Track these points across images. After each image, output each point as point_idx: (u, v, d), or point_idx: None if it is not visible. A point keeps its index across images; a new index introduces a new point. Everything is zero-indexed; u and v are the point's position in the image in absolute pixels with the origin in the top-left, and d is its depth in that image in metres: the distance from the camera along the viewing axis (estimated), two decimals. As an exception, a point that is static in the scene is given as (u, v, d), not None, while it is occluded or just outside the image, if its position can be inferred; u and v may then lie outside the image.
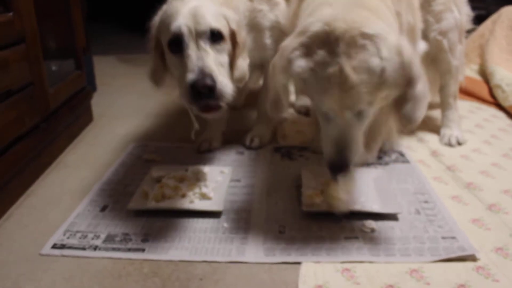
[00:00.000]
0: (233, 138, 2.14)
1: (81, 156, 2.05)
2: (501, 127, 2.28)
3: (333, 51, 1.21)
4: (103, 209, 1.58)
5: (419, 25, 1.79)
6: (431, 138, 2.15)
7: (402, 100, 1.29)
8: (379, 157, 1.89)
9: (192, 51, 1.43)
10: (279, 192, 1.67)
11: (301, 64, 1.27)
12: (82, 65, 2.41)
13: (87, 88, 2.45)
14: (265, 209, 1.57)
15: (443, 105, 2.18)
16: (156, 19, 1.58)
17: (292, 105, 2.54)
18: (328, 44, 1.22)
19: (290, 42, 1.31)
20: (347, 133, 1.29)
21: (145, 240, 1.41)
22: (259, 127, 2.12)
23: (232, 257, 1.33)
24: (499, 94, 2.60)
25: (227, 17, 1.56)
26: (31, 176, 1.78)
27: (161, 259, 1.32)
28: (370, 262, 1.29)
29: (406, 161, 1.89)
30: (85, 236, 1.43)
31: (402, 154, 1.95)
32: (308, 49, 1.26)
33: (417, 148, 2.05)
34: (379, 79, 1.22)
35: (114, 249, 1.37)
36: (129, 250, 1.36)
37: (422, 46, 1.90)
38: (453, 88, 2.15)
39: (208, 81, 1.38)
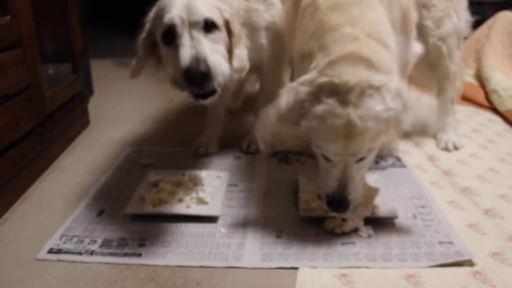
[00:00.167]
0: (230, 143, 2.14)
1: (77, 160, 2.04)
2: (497, 132, 2.29)
3: (342, 101, 1.25)
4: (99, 213, 1.58)
5: (413, 20, 1.81)
6: (427, 143, 2.15)
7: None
8: (376, 162, 1.90)
9: (186, 40, 1.43)
10: (276, 196, 1.67)
11: (310, 115, 1.30)
12: (79, 68, 2.41)
13: (84, 92, 2.45)
14: (262, 214, 1.57)
15: (440, 110, 2.19)
16: (151, 14, 1.58)
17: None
18: (336, 94, 1.26)
19: (300, 89, 1.33)
20: (348, 175, 1.32)
21: (141, 245, 1.40)
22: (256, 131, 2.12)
23: (229, 262, 1.33)
24: (495, 99, 2.62)
25: (220, 7, 1.56)
26: (27, 180, 1.78)
27: (158, 264, 1.32)
28: (367, 267, 1.29)
29: (402, 166, 1.90)
30: (82, 241, 1.42)
31: (398, 159, 1.95)
32: (316, 98, 1.29)
33: (413, 152, 2.05)
34: (384, 126, 1.28)
35: (110, 254, 1.36)
36: (126, 255, 1.36)
37: (419, 48, 1.91)
38: (451, 93, 2.15)
39: (202, 67, 1.38)
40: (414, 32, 1.83)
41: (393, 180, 1.77)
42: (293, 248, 1.37)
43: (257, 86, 2.25)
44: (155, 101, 2.89)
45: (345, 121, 1.24)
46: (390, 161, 1.93)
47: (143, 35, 1.60)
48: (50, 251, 1.38)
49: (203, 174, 1.77)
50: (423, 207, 1.58)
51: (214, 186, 1.69)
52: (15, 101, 1.69)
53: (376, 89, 1.27)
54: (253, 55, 1.87)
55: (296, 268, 1.29)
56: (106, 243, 1.41)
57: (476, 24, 3.02)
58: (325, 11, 1.46)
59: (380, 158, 1.93)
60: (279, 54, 1.97)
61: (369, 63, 1.32)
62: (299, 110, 1.32)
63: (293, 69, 2.05)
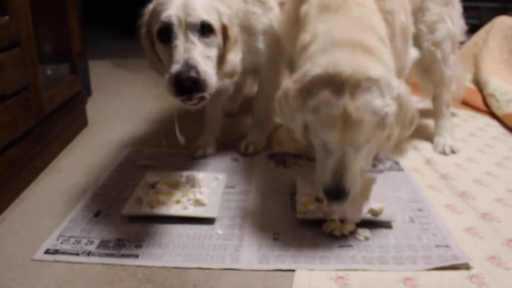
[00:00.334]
0: (228, 145, 2.14)
1: (75, 161, 2.04)
2: (494, 136, 2.30)
3: (338, 92, 1.26)
4: (97, 214, 1.58)
5: (411, 28, 1.82)
6: (425, 147, 2.16)
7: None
8: (374, 165, 1.90)
9: (180, 41, 1.43)
10: (274, 199, 1.67)
11: (304, 109, 1.32)
12: (78, 69, 2.41)
13: (82, 92, 2.45)
14: (259, 216, 1.57)
15: (436, 114, 2.20)
16: (150, 6, 1.58)
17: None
18: (331, 85, 1.27)
19: (290, 87, 1.36)
20: (345, 164, 1.32)
21: (138, 246, 1.40)
22: (254, 134, 2.12)
23: (226, 264, 1.32)
24: (492, 103, 2.63)
25: (219, 11, 1.56)
26: (24, 180, 1.77)
27: (155, 265, 1.32)
28: (364, 270, 1.29)
29: (400, 169, 1.90)
30: (79, 242, 1.42)
31: (396, 162, 1.96)
32: (309, 92, 1.31)
33: (411, 156, 2.05)
34: (381, 120, 1.29)
35: (107, 255, 1.36)
36: (123, 256, 1.36)
37: (414, 53, 1.92)
38: (446, 97, 2.17)
39: (192, 74, 1.38)
40: (411, 40, 1.84)
41: (390, 183, 1.77)
42: (290, 250, 1.37)
43: (255, 88, 2.25)
44: (153, 102, 2.89)
45: (341, 111, 1.24)
46: (388, 164, 1.94)
47: (143, 30, 1.60)
48: (47, 251, 1.38)
49: (201, 175, 1.77)
50: (420, 210, 1.58)
51: (211, 188, 1.69)
52: (13, 101, 1.69)
53: (374, 82, 1.27)
54: (250, 58, 1.88)
55: (293, 270, 1.29)
56: (103, 244, 1.41)
57: (474, 29, 3.04)
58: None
59: (378, 161, 1.93)
60: (276, 57, 1.98)
61: (367, 51, 1.32)
62: (293, 105, 1.33)
63: (291, 71, 2.05)
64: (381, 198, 1.60)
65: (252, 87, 2.55)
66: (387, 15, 1.56)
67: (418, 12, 1.96)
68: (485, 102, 2.74)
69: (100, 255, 1.36)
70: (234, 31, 1.62)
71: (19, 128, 1.73)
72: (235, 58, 1.63)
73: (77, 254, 1.36)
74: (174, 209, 1.56)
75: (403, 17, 1.68)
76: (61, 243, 1.42)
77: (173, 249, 1.39)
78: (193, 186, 1.69)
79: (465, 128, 2.40)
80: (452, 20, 2.05)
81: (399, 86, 1.32)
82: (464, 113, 2.63)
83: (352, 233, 1.44)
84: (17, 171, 1.71)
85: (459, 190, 1.73)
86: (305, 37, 1.52)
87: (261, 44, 1.91)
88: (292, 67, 1.87)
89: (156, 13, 1.50)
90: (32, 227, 1.52)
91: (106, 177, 1.84)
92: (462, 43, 2.22)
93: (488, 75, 2.87)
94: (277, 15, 1.90)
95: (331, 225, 1.44)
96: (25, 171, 1.78)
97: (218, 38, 1.54)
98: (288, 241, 1.42)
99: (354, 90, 1.25)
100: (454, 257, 1.32)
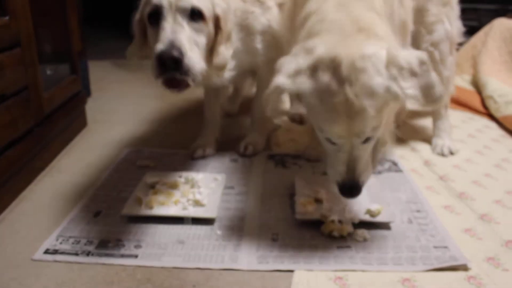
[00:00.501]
0: (227, 145, 2.14)
1: (74, 161, 2.04)
2: (493, 138, 2.31)
3: (338, 77, 1.22)
4: (96, 214, 1.58)
5: (410, 25, 1.82)
6: (423, 148, 2.16)
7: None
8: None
9: (168, 23, 1.43)
10: (273, 199, 1.68)
11: (307, 86, 1.27)
12: (78, 69, 2.41)
13: (82, 92, 2.45)
14: (258, 216, 1.57)
15: (435, 115, 2.20)
16: None
17: (286, 113, 2.55)
18: (332, 69, 1.23)
19: (294, 60, 1.31)
20: (356, 157, 1.30)
21: (138, 246, 1.41)
22: (253, 134, 2.12)
23: (225, 264, 1.33)
24: (491, 105, 2.63)
25: (213, 1, 1.56)
26: (24, 180, 1.78)
27: (154, 266, 1.32)
28: (363, 270, 1.30)
29: (399, 170, 1.90)
30: (78, 242, 1.43)
31: (395, 163, 1.96)
32: (313, 71, 1.26)
33: (410, 157, 2.06)
34: (384, 99, 1.24)
35: (107, 255, 1.36)
36: (122, 256, 1.36)
37: None
38: (444, 98, 2.17)
39: (175, 53, 1.37)
40: (409, 38, 1.84)
41: (389, 184, 1.78)
42: (289, 251, 1.38)
43: (254, 89, 2.25)
44: (153, 102, 2.89)
45: (342, 100, 1.21)
46: (387, 165, 1.94)
47: (137, 16, 1.61)
48: (47, 251, 1.38)
49: (200, 176, 1.77)
50: (418, 211, 1.59)
51: (210, 188, 1.70)
52: (13, 101, 1.69)
53: (368, 59, 1.22)
54: (248, 59, 1.88)
55: (291, 271, 1.30)
56: (102, 244, 1.41)
57: (473, 31, 3.05)
58: None
59: (376, 162, 1.94)
60: (275, 59, 1.96)
61: (363, 31, 1.30)
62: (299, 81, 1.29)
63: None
64: (379, 199, 1.60)
65: (251, 88, 2.55)
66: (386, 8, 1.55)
67: (417, 13, 1.97)
68: (484, 104, 2.75)
69: (99, 255, 1.36)
70: (227, 25, 1.62)
71: (19, 128, 1.73)
72: (225, 51, 1.62)
73: (76, 254, 1.37)
74: (174, 210, 1.56)
75: (403, 12, 1.68)
76: (61, 243, 1.42)
77: (172, 249, 1.39)
78: (192, 186, 1.70)
79: (463, 129, 2.40)
80: (450, 21, 2.05)
81: (391, 51, 1.25)
82: (463, 115, 2.63)
83: (351, 234, 1.44)
84: (17, 171, 1.72)
85: (457, 191, 1.74)
86: (302, 14, 1.49)
87: (259, 44, 1.90)
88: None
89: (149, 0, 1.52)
90: (32, 227, 1.52)
91: (106, 177, 1.85)
92: (460, 44, 2.23)
93: (486, 76, 2.87)
94: (276, 15, 1.90)
95: (330, 226, 1.45)
96: (25, 171, 1.78)
97: (208, 27, 1.54)
98: (287, 241, 1.43)
99: (351, 74, 1.20)
100: (452, 258, 1.33)
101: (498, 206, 1.64)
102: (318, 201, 1.59)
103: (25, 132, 1.78)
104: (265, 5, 1.88)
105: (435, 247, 1.39)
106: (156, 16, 1.47)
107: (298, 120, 2.47)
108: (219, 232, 1.48)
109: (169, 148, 2.15)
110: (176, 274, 1.30)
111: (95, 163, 2.01)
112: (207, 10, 1.52)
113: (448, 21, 2.04)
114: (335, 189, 1.37)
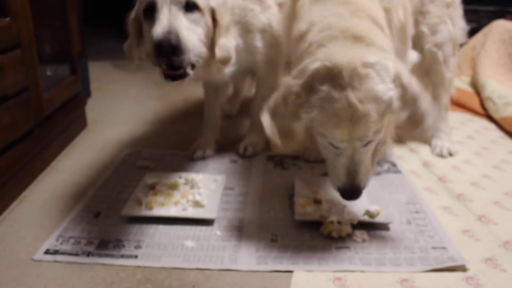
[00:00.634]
0: (226, 146, 2.15)
1: (74, 162, 2.05)
2: (492, 139, 2.31)
3: (338, 85, 1.23)
4: (96, 215, 1.58)
5: (410, 29, 1.82)
6: (422, 149, 2.17)
7: (414, 118, 1.36)
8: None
9: (163, 15, 1.43)
10: (272, 200, 1.68)
11: (307, 106, 1.29)
12: (78, 70, 2.41)
13: (82, 93, 2.46)
14: (258, 217, 1.58)
15: (435, 116, 2.20)
16: None
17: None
18: (331, 78, 1.24)
19: (291, 83, 1.33)
20: (358, 161, 1.31)
21: (138, 246, 1.41)
22: (253, 135, 2.13)
23: (225, 265, 1.33)
24: (490, 106, 2.64)
25: None
26: (24, 181, 1.78)
27: (154, 266, 1.33)
28: (362, 271, 1.30)
29: (398, 172, 1.91)
30: (78, 242, 1.43)
31: (394, 165, 1.97)
32: (310, 87, 1.28)
33: (409, 158, 2.07)
34: (386, 106, 1.26)
35: (107, 256, 1.37)
36: (122, 256, 1.37)
37: (414, 56, 1.93)
38: (445, 99, 2.18)
39: (173, 38, 1.37)
40: (410, 41, 1.85)
41: (388, 185, 1.79)
42: (288, 252, 1.38)
43: (254, 90, 2.26)
44: (152, 103, 2.89)
45: (345, 105, 1.22)
46: (386, 166, 1.95)
47: (132, 15, 1.61)
48: (47, 252, 1.38)
49: (200, 177, 1.78)
50: (417, 212, 1.60)
51: (210, 189, 1.70)
52: (14, 102, 1.69)
53: (372, 67, 1.24)
54: (246, 57, 1.88)
55: (291, 272, 1.30)
56: (102, 245, 1.42)
57: (472, 32, 3.05)
58: None
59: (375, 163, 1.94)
60: (274, 58, 1.98)
61: (363, 41, 1.31)
62: (295, 102, 1.31)
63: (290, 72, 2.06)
64: (378, 200, 1.61)
65: (251, 89, 2.56)
66: (385, 13, 1.56)
67: (419, 15, 1.97)
68: (483, 105, 2.75)
69: (99, 255, 1.37)
70: (224, 18, 1.61)
71: (19, 129, 1.74)
72: (227, 43, 1.61)
73: (76, 255, 1.37)
74: (173, 210, 1.57)
75: (402, 15, 1.68)
76: (61, 243, 1.43)
77: (172, 250, 1.40)
78: (192, 187, 1.70)
79: (462, 130, 2.41)
80: (453, 22, 2.06)
81: (397, 67, 1.28)
82: (462, 116, 2.64)
83: (350, 235, 1.45)
84: (17, 172, 1.72)
85: (456, 193, 1.74)
86: (301, 26, 1.50)
87: (258, 43, 1.90)
88: (290, 68, 1.88)
89: None
90: (32, 228, 1.53)
91: (106, 178, 1.85)
92: (460, 46, 2.23)
93: (485, 78, 2.88)
94: (275, 14, 1.90)
95: (329, 227, 1.45)
96: (25, 172, 1.78)
97: (205, 18, 1.53)
98: (286, 242, 1.43)
99: (354, 81, 1.22)
100: (450, 259, 1.34)
101: (496, 207, 1.64)
102: (317, 202, 1.60)
103: (25, 133, 1.79)
104: (265, 4, 1.88)
105: (434, 248, 1.40)
106: (151, 10, 1.46)
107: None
108: (218, 232, 1.49)
109: (169, 149, 2.16)
110: (175, 274, 1.30)
111: (95, 163, 2.01)
112: (202, 3, 1.52)
113: (451, 22, 2.05)
114: (336, 191, 1.38)
